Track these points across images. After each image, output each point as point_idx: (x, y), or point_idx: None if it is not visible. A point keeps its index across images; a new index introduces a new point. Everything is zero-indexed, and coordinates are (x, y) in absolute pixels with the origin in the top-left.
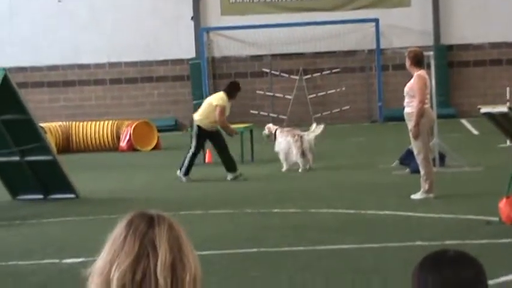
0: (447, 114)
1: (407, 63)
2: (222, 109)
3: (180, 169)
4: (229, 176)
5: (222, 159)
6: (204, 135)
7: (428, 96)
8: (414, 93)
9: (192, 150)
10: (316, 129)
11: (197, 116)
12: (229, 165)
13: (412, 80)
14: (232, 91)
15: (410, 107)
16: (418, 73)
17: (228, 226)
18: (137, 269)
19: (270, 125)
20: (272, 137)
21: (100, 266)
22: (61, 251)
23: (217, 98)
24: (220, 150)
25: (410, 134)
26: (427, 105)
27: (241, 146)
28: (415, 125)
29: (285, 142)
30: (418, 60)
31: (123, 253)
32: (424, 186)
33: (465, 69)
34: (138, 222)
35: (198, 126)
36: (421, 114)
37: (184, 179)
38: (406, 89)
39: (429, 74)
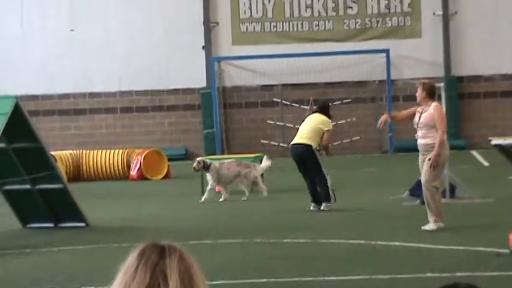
0: (457, 145)
1: (422, 94)
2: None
3: (327, 200)
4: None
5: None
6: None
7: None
8: (434, 124)
9: (326, 172)
10: (265, 162)
11: (312, 142)
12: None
13: (427, 112)
14: (327, 110)
15: (429, 138)
16: (435, 104)
17: (237, 256)
18: None
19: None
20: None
21: None
22: (71, 279)
23: (325, 122)
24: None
25: (424, 165)
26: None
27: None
28: (438, 155)
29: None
30: (433, 92)
31: (135, 283)
32: (432, 216)
33: (476, 100)
34: (149, 253)
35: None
36: (445, 143)
37: (330, 204)
38: (422, 120)
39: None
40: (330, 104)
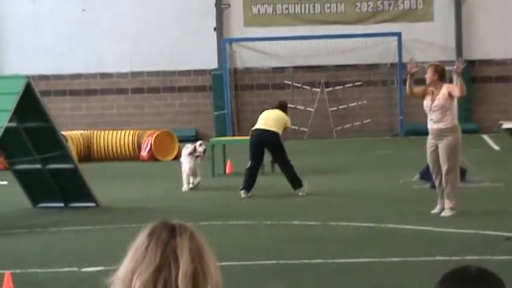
0: (469, 129)
1: (433, 77)
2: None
3: (299, 186)
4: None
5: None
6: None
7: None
8: (449, 106)
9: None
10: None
11: (278, 130)
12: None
13: (441, 94)
14: (285, 110)
15: (443, 123)
16: (446, 85)
17: (247, 237)
18: (159, 279)
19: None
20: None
21: (122, 275)
22: (81, 259)
23: (286, 119)
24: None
25: (442, 151)
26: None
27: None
28: (457, 137)
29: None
30: (445, 75)
31: (145, 263)
32: (450, 203)
33: (487, 84)
34: (160, 232)
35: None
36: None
37: (306, 188)
38: (437, 102)
39: None
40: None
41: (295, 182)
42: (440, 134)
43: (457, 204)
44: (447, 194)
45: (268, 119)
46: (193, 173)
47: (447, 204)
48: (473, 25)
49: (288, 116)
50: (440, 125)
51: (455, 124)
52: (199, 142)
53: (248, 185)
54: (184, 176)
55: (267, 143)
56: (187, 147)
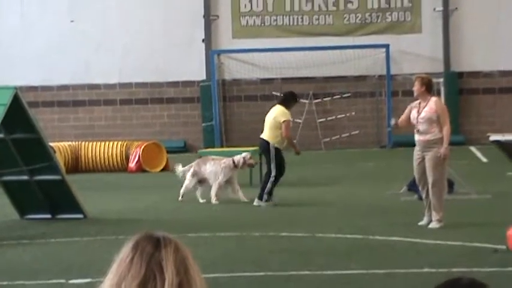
0: (456, 141)
1: (421, 89)
2: (289, 123)
3: (260, 198)
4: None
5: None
6: (280, 154)
7: None
8: (436, 119)
9: (274, 173)
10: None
11: (269, 138)
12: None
13: (428, 107)
14: (289, 101)
15: (430, 134)
16: (435, 98)
17: (235, 249)
18: None
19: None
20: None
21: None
22: (68, 271)
23: (281, 114)
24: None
25: (428, 163)
26: None
27: (250, 169)
28: (447, 147)
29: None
30: (432, 87)
31: (130, 275)
32: (437, 215)
33: (475, 96)
34: (144, 244)
35: (276, 147)
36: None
37: (265, 204)
38: (424, 114)
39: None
40: (294, 94)
41: (260, 193)
42: (427, 145)
43: (444, 216)
44: (433, 206)
45: (265, 125)
46: (231, 183)
47: (434, 216)
48: (461, 37)
49: (293, 105)
50: (427, 137)
51: (442, 136)
52: (246, 155)
53: (260, 194)
54: (214, 187)
55: (261, 151)
56: (227, 161)
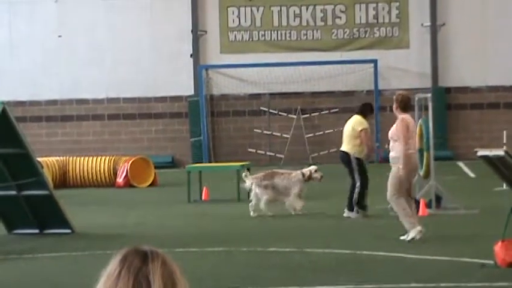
0: (444, 156)
1: (394, 106)
2: (367, 131)
3: (350, 209)
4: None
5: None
6: (361, 163)
7: (411, 141)
8: (398, 138)
9: (358, 183)
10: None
11: (348, 149)
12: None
13: (395, 125)
14: (366, 111)
15: (393, 151)
16: (402, 117)
17: (223, 264)
18: None
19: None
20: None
21: None
22: (56, 286)
23: (358, 123)
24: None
25: (389, 179)
26: (411, 151)
27: (238, 184)
28: (403, 168)
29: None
30: (405, 104)
31: None
32: (406, 226)
33: (463, 111)
34: (132, 259)
35: (356, 157)
36: (406, 158)
37: (355, 215)
38: (390, 133)
39: (427, 116)
40: (371, 104)
41: (349, 204)
42: (392, 161)
43: (412, 225)
44: (400, 218)
45: (343, 137)
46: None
47: (406, 228)
48: (448, 52)
49: (370, 114)
50: (391, 154)
51: (403, 154)
52: (314, 168)
53: (349, 205)
54: (293, 199)
55: (343, 163)
56: (297, 174)
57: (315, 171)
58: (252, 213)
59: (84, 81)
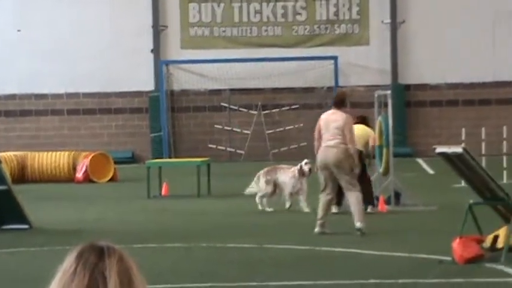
0: (403, 153)
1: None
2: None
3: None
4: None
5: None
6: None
7: (317, 135)
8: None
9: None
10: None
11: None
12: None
13: None
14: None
15: None
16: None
17: (182, 260)
18: None
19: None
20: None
21: None
22: (14, 282)
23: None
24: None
25: None
26: (324, 144)
27: (198, 179)
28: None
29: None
30: (340, 100)
31: (73, 286)
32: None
33: (422, 109)
34: (88, 254)
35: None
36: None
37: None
38: None
39: (386, 113)
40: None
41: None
42: None
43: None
44: None
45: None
46: (297, 191)
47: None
48: (408, 50)
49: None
50: None
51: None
52: (304, 161)
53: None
54: (287, 196)
55: None
56: (288, 169)
57: (305, 163)
58: (267, 208)
59: (43, 76)
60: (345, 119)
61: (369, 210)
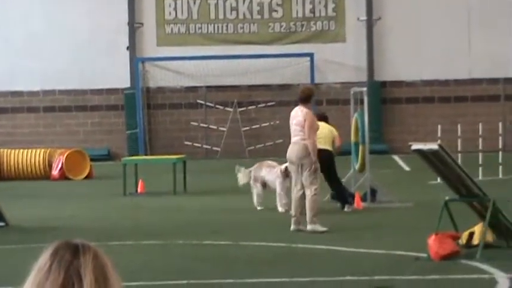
0: (379, 150)
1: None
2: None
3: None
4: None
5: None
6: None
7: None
8: None
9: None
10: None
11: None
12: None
13: None
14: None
15: None
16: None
17: (158, 257)
18: None
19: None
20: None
21: None
22: None
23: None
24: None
25: None
26: (291, 141)
27: (174, 176)
28: None
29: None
30: (304, 96)
31: (48, 283)
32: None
33: (398, 105)
34: (62, 252)
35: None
36: None
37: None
38: None
39: (362, 110)
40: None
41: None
42: None
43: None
44: None
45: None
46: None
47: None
48: (384, 47)
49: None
50: None
51: None
52: (285, 165)
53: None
54: (278, 198)
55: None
56: (273, 168)
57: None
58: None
59: (19, 73)
60: (304, 115)
61: (345, 209)
